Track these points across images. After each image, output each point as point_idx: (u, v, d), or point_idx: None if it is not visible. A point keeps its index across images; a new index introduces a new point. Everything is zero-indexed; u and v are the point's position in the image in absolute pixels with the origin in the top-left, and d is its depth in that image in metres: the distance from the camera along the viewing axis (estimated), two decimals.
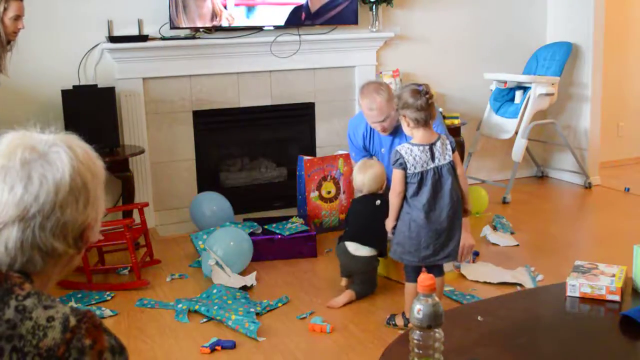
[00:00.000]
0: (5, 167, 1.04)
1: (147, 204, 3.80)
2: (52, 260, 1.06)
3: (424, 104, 2.61)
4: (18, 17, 3.21)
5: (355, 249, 3.19)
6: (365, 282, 3.24)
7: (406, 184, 2.69)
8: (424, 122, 2.64)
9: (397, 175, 2.69)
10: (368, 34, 4.77)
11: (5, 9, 3.16)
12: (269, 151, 4.91)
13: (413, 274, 2.76)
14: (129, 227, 3.42)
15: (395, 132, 3.40)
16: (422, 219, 2.69)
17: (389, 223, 2.82)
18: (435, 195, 2.68)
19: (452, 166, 2.71)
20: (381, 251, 3.22)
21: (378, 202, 3.20)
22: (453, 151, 2.74)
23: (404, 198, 2.72)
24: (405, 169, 2.66)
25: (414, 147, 2.66)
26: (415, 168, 2.65)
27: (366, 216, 3.21)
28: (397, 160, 2.67)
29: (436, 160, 2.68)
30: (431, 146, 2.67)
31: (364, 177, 3.23)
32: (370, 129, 3.54)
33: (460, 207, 2.77)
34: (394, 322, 2.93)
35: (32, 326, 0.96)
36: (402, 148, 2.68)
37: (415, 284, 2.79)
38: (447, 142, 2.72)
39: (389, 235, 2.90)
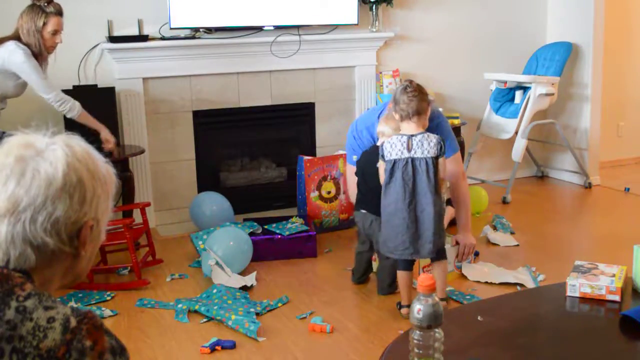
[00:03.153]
0: (1, 164, 1.04)
1: (148, 204, 3.80)
2: (46, 256, 1.05)
3: (406, 99, 2.81)
4: (56, 32, 3.40)
5: (365, 212, 3.19)
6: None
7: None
8: (407, 116, 2.82)
9: (379, 165, 2.89)
10: (368, 34, 4.77)
11: (44, 24, 3.35)
12: (269, 151, 4.91)
13: (402, 262, 2.93)
14: (129, 227, 3.43)
15: None
16: (392, 208, 2.81)
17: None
18: (405, 186, 2.78)
19: (430, 164, 2.76)
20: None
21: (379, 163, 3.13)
22: (440, 154, 2.78)
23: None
24: (384, 159, 2.83)
25: (394, 138, 2.84)
26: (390, 155, 2.81)
27: (365, 178, 3.17)
28: (380, 150, 2.86)
29: (412, 152, 2.77)
30: (410, 137, 2.79)
31: (385, 127, 3.08)
32: None
33: (435, 207, 2.78)
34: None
35: (32, 327, 0.96)
36: (387, 140, 2.85)
37: (404, 272, 2.87)
38: (434, 140, 2.78)
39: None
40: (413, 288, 2.94)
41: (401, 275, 2.96)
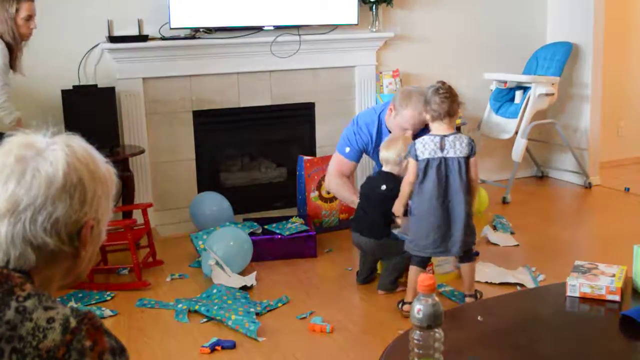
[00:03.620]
0: (2, 164, 1.04)
1: (150, 205, 3.80)
2: (46, 256, 1.05)
3: (439, 100, 2.86)
4: (30, 17, 3.30)
5: (357, 236, 3.29)
6: (386, 257, 3.27)
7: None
8: (439, 116, 2.86)
9: (409, 163, 2.91)
10: (368, 34, 4.77)
11: (17, 10, 3.24)
12: (269, 151, 4.91)
13: (417, 258, 2.95)
14: (131, 228, 3.42)
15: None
16: (425, 206, 2.85)
17: (397, 207, 3.01)
18: (439, 185, 2.83)
19: (462, 163, 2.83)
20: (378, 237, 3.24)
21: (383, 187, 3.21)
22: (472, 154, 2.86)
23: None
24: (416, 158, 2.86)
25: (426, 137, 2.88)
26: (423, 154, 2.85)
27: (368, 203, 3.28)
28: (410, 150, 2.90)
29: (445, 152, 2.83)
30: (442, 137, 2.85)
31: (387, 153, 3.24)
32: (380, 131, 3.55)
33: (466, 207, 2.85)
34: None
35: (32, 327, 0.96)
36: (418, 139, 2.90)
37: (417, 268, 2.92)
38: (466, 141, 2.86)
39: (397, 218, 3.06)
40: None
41: (413, 271, 2.96)
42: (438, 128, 2.89)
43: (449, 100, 2.86)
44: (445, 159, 2.83)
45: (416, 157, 2.87)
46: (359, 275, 3.40)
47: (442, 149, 2.83)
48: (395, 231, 3.25)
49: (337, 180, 3.69)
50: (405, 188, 2.96)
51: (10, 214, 1.03)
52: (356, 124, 3.64)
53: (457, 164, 2.83)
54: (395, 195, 3.04)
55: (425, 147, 2.85)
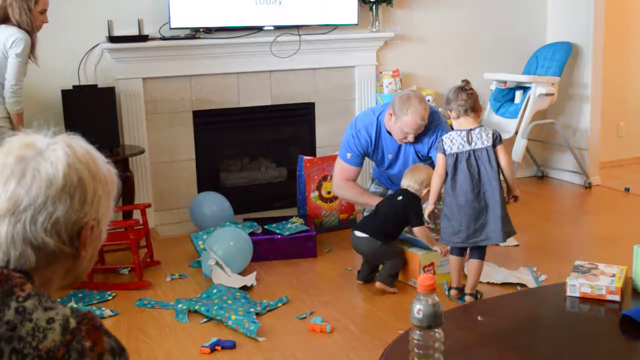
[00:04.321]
0: (2, 164, 1.04)
1: (149, 205, 3.80)
2: (46, 257, 1.05)
3: (465, 96, 2.99)
4: (44, 11, 3.48)
5: (359, 233, 3.32)
6: (384, 259, 3.30)
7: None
8: (465, 111, 2.98)
9: (438, 158, 3.01)
10: (368, 34, 4.77)
11: (36, 2, 3.42)
12: (269, 151, 4.91)
13: (456, 249, 3.06)
14: (133, 228, 3.43)
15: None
16: (462, 199, 2.93)
17: (428, 207, 3.09)
18: (471, 177, 2.92)
19: (491, 152, 2.93)
20: (383, 239, 3.27)
21: (400, 197, 3.27)
22: (497, 143, 2.96)
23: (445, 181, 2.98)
24: (444, 152, 2.96)
25: (453, 133, 3.00)
26: (451, 149, 2.95)
27: (380, 207, 3.35)
28: (438, 145, 3.01)
29: (472, 144, 2.94)
30: (469, 131, 2.96)
31: (408, 181, 3.31)
32: (379, 133, 3.54)
33: (501, 194, 2.94)
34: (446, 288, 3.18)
35: (32, 328, 0.96)
36: (445, 135, 3.01)
37: (457, 257, 3.03)
38: (490, 132, 2.98)
39: (425, 218, 3.15)
40: (463, 273, 3.14)
41: (454, 260, 3.08)
42: (464, 123, 2.99)
43: (473, 97, 3.00)
44: (474, 150, 2.94)
45: (444, 152, 2.96)
46: (360, 274, 3.40)
47: (469, 142, 2.94)
48: (407, 235, 3.38)
49: (344, 186, 3.71)
50: (435, 181, 3.03)
51: (10, 214, 1.03)
52: (354, 126, 3.64)
53: (485, 153, 2.93)
54: (410, 206, 3.20)
55: (453, 142, 2.96)
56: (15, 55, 3.34)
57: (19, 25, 3.37)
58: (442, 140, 3.00)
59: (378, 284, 3.24)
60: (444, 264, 3.35)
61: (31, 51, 3.44)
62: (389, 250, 3.28)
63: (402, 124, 3.38)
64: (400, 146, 3.55)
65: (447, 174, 2.98)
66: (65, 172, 1.04)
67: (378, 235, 3.25)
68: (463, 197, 2.94)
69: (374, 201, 3.47)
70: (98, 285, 3.44)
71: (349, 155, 3.65)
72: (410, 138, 3.41)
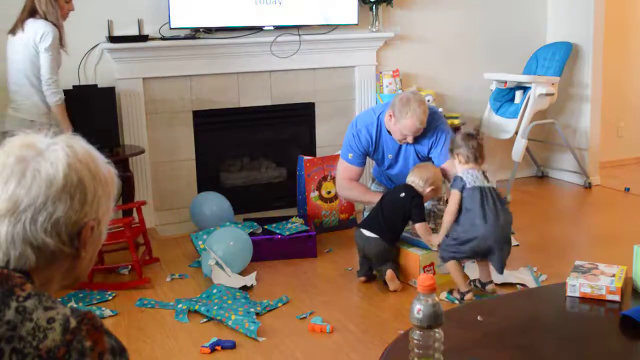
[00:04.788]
0: (2, 164, 1.04)
1: (144, 203, 3.80)
2: (46, 257, 1.05)
3: (474, 144, 3.10)
4: (69, 0, 3.56)
5: (368, 233, 3.33)
6: (383, 261, 3.32)
7: (460, 205, 3.05)
8: (474, 159, 3.09)
9: (453, 195, 3.06)
10: (368, 34, 4.77)
11: None
12: (269, 151, 4.91)
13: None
14: (130, 226, 3.43)
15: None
16: (489, 229, 2.99)
17: (436, 239, 3.16)
18: (495, 208, 3.02)
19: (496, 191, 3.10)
20: (389, 241, 3.32)
21: (402, 194, 3.30)
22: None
23: (459, 214, 3.06)
24: (462, 190, 3.03)
25: (470, 170, 3.09)
26: (475, 183, 3.05)
27: (386, 207, 3.35)
28: (455, 182, 3.08)
29: (489, 182, 3.10)
30: (483, 172, 3.12)
31: (413, 177, 3.35)
32: (379, 133, 3.55)
33: (510, 225, 3.09)
34: (452, 298, 3.17)
35: (32, 327, 0.96)
36: (463, 171, 3.09)
37: (452, 262, 3.08)
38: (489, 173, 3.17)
39: (434, 247, 3.22)
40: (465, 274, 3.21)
41: (452, 265, 3.12)
42: (474, 166, 3.10)
43: (482, 147, 3.14)
44: (489, 187, 3.07)
45: (462, 188, 3.04)
46: (360, 271, 3.41)
47: (487, 180, 3.10)
48: (408, 233, 3.41)
49: (347, 186, 3.72)
50: (447, 218, 3.09)
51: (10, 214, 1.03)
52: (355, 126, 3.65)
53: (494, 190, 3.08)
54: (413, 202, 3.25)
55: (473, 177, 3.06)
56: (45, 49, 3.40)
57: (45, 17, 3.42)
58: (459, 177, 3.07)
59: (389, 273, 3.26)
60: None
61: (60, 42, 3.49)
62: (390, 253, 3.33)
63: (401, 127, 3.39)
64: (400, 146, 3.56)
65: (460, 209, 3.05)
66: (66, 172, 1.04)
67: (386, 235, 3.28)
68: (492, 228, 2.99)
69: (379, 199, 3.48)
70: (98, 285, 3.44)
71: (350, 155, 3.66)
72: (409, 139, 3.44)
